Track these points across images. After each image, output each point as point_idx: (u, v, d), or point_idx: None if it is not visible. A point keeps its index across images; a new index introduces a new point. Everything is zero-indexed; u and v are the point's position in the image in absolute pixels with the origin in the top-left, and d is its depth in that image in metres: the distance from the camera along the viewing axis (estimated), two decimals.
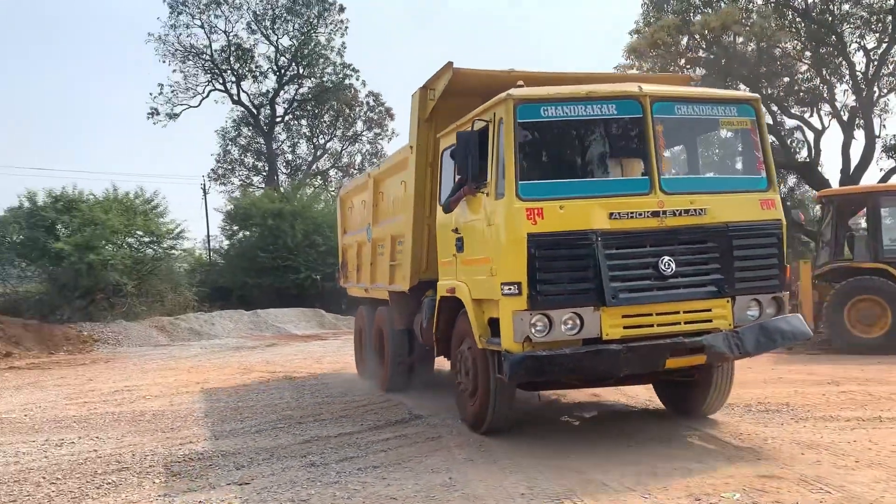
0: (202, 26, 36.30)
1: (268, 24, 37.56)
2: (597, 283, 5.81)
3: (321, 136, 41.65)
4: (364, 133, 41.81)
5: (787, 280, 6.91)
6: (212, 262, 30.53)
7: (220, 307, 24.00)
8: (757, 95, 7.07)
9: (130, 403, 9.75)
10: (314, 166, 41.24)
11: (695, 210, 6.13)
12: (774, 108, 26.14)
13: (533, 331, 5.73)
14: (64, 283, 19.89)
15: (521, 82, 6.50)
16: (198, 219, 62.81)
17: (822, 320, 13.10)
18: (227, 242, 30.55)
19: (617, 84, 6.79)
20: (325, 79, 39.82)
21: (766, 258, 6.37)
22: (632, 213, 5.98)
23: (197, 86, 37.06)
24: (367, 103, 41.51)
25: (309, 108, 40.68)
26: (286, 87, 39.00)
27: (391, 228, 8.98)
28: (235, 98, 38.08)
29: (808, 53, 25.69)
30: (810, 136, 27.54)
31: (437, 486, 5.18)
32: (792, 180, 30.46)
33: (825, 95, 26.18)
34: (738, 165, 7.93)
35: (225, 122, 41.12)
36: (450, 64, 7.13)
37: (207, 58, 36.90)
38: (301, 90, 39.32)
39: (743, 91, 6.43)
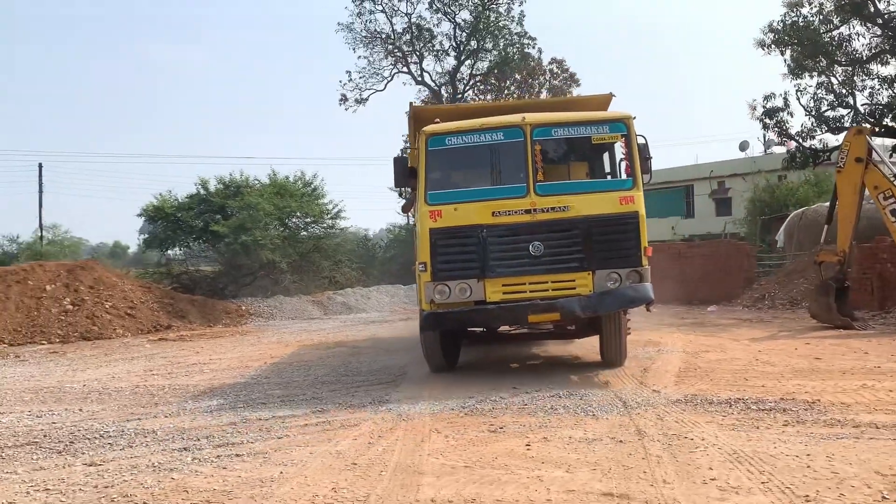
0: (384, 11, 37.54)
1: (448, 0, 37.92)
2: (482, 261, 8.44)
3: None
4: None
5: None
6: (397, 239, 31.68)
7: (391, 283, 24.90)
8: (629, 114, 8.95)
9: (185, 377, 10.48)
10: None
11: (559, 207, 8.46)
12: None
13: (436, 296, 8.49)
14: (229, 263, 21.80)
15: (437, 119, 9.25)
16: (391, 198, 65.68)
17: None
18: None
19: (507, 116, 9.06)
20: (508, 51, 39.48)
21: (623, 241, 8.49)
22: (509, 211, 8.49)
23: (381, 70, 38.48)
24: (551, 70, 40.53)
25: (494, 80, 40.59)
26: (467, 63, 39.20)
27: None
28: (419, 79, 39.04)
29: None
30: None
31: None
32: None
33: None
34: (613, 169, 9.82)
35: (414, 104, 42.38)
36: (411, 104, 10.93)
37: (391, 42, 38.13)
38: (482, 64, 39.27)
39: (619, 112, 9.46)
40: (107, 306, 18.15)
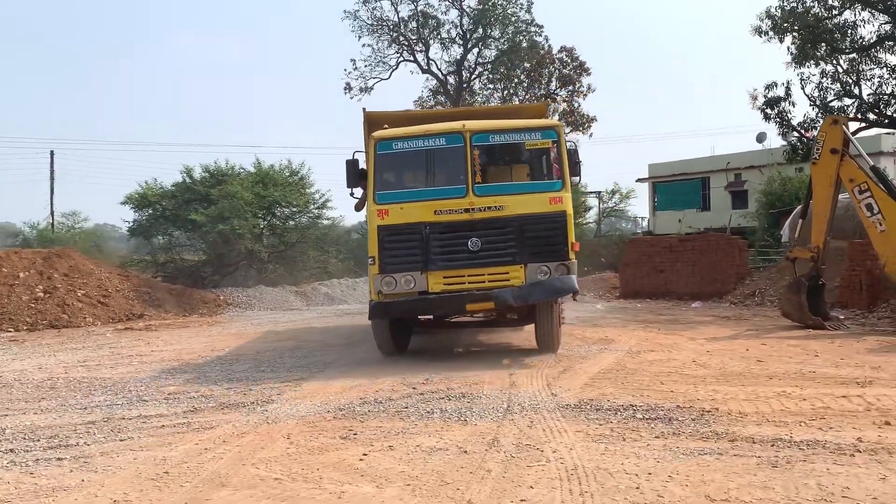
0: None
1: None
2: (425, 255, 9.22)
3: (514, 98, 40.75)
4: (558, 91, 40.14)
5: None
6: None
7: None
8: (560, 123, 10.63)
9: (109, 369, 10.24)
10: None
11: (495, 207, 9.23)
12: None
13: (384, 287, 9.27)
14: (213, 252, 21.62)
15: (386, 125, 10.12)
16: None
17: None
18: None
19: (449, 123, 9.86)
20: (516, 38, 38.86)
21: (552, 237, 9.30)
22: (450, 210, 9.23)
23: (386, 58, 38.08)
24: (560, 59, 39.78)
25: (503, 70, 39.95)
26: (473, 51, 38.65)
27: None
28: (425, 67, 38.57)
29: None
30: None
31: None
32: None
33: None
34: (545, 172, 10.24)
35: (421, 92, 41.87)
36: (364, 109, 11.48)
37: (396, 30, 37.69)
38: (489, 52, 38.70)
39: (550, 120, 11.26)
40: (79, 294, 18.05)
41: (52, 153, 43.53)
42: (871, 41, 21.35)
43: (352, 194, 10.65)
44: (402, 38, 38.06)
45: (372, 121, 10.93)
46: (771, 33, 21.50)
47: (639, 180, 48.61)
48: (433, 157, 9.74)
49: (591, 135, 40.86)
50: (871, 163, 12.79)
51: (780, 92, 23.56)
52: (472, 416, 6.25)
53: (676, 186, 46.74)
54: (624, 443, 5.31)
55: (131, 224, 22.78)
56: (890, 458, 4.78)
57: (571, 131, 40.77)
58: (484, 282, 9.24)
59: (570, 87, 39.97)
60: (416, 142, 9.64)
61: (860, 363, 8.73)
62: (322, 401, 7.15)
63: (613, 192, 33.64)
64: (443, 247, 9.23)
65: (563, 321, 10.69)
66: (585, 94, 40.02)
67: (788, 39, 22.05)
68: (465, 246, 9.21)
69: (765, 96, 23.84)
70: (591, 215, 32.96)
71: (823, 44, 21.47)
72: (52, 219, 40.36)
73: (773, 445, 5.12)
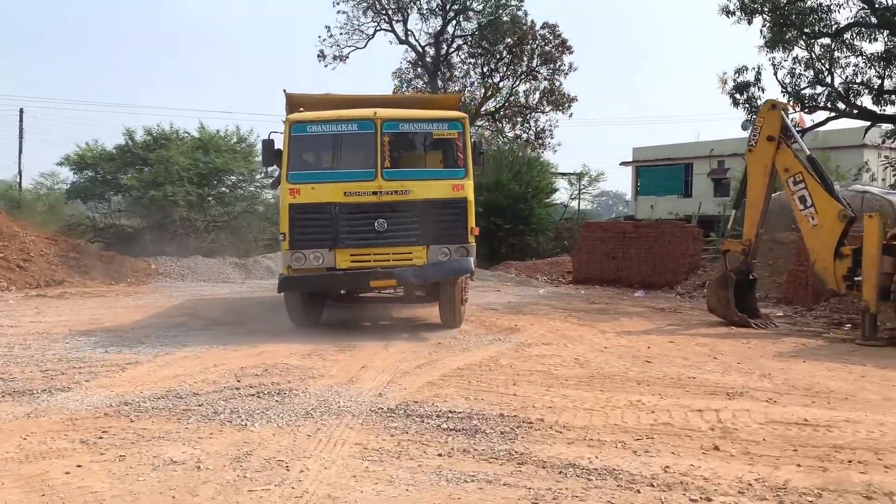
0: None
1: None
2: (333, 234, 9.63)
3: (495, 75, 39.69)
4: (539, 68, 39.09)
5: None
6: None
7: None
8: (464, 115, 10.63)
9: None
10: (483, 107, 39.51)
11: (402, 191, 9.73)
12: None
13: (293, 262, 9.64)
14: (154, 219, 20.81)
15: (301, 108, 10.51)
16: None
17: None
18: None
19: (362, 110, 10.26)
20: (497, 11, 37.75)
21: (453, 221, 9.83)
22: (359, 192, 9.67)
23: (362, 26, 36.99)
24: (543, 36, 38.72)
25: (484, 44, 38.87)
26: (453, 23, 37.55)
27: None
28: (402, 38, 37.49)
29: None
30: None
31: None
32: None
33: None
34: (449, 160, 10.56)
35: (400, 64, 40.81)
36: (284, 90, 11.58)
37: None
38: (469, 24, 37.60)
39: (457, 112, 10.95)
40: None
41: (21, 111, 42.60)
42: (844, 26, 20.38)
43: (267, 173, 11.85)
44: (378, 5, 36.93)
45: (293, 102, 11.37)
46: (739, 14, 20.51)
47: (622, 164, 47.75)
48: (345, 142, 10.20)
49: (570, 115, 39.95)
50: (809, 152, 11.96)
51: (751, 77, 22.67)
52: (261, 419, 5.51)
53: (660, 172, 45.90)
54: (396, 461, 4.57)
55: (69, 186, 21.93)
56: (679, 495, 4.04)
57: (551, 110, 39.82)
58: (388, 261, 9.76)
59: (552, 65, 38.92)
60: (329, 126, 10.07)
61: (754, 369, 8.00)
62: (125, 391, 6.42)
63: (581, 175, 32.66)
64: (351, 226, 9.69)
65: (465, 300, 11.21)
66: (567, 73, 39.02)
67: (759, 21, 21.10)
68: (372, 226, 9.69)
69: (734, 81, 22.94)
70: (560, 197, 32.05)
71: (794, 29, 20.48)
72: (20, 178, 39.43)
73: (560, 472, 4.39)
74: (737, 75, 22.88)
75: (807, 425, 5.61)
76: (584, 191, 32.91)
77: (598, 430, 5.37)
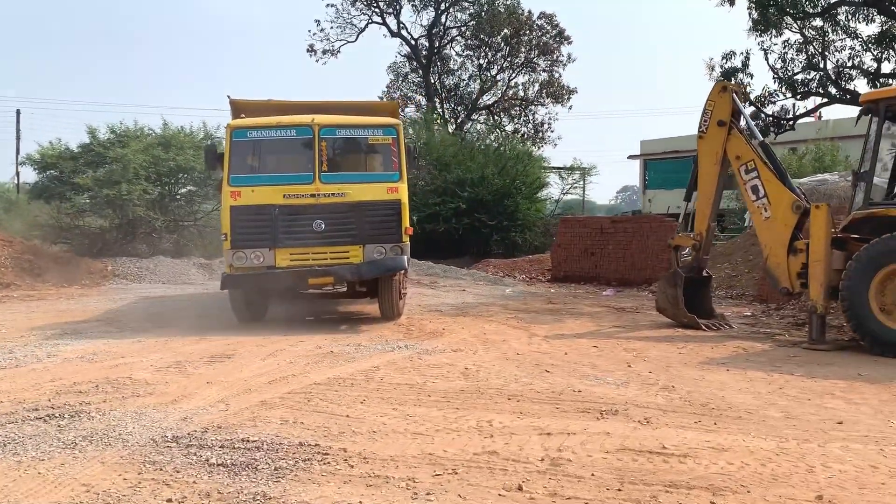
0: None
1: None
2: (273, 234, 10.12)
3: (492, 67, 38.76)
4: (536, 60, 38.09)
5: None
6: None
7: None
8: (398, 121, 11.22)
9: None
10: (480, 100, 38.60)
11: (338, 193, 10.28)
12: None
13: (235, 261, 10.08)
14: (107, 219, 20.22)
15: (243, 115, 11.17)
16: None
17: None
18: None
19: (300, 116, 10.71)
20: (493, 1, 36.82)
21: (388, 222, 10.41)
22: (298, 194, 10.18)
23: (352, 18, 36.28)
24: (540, 27, 37.74)
25: (482, 36, 37.96)
26: (446, 14, 36.68)
27: None
28: (394, 31, 36.73)
29: None
30: None
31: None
32: None
33: None
34: (384, 164, 11.06)
35: (395, 58, 40.04)
36: (228, 97, 12.02)
37: None
38: (462, 15, 36.72)
39: (391, 119, 11.34)
40: None
41: (18, 112, 42.56)
42: (833, 2, 19.16)
43: (209, 177, 11.83)
44: None
45: (238, 107, 11.90)
46: None
47: (630, 157, 46.57)
48: (284, 147, 10.75)
49: (570, 107, 38.93)
50: (761, 138, 10.95)
51: (738, 63, 21.54)
52: (12, 451, 4.72)
53: (668, 165, 44.56)
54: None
55: (30, 186, 21.42)
56: None
57: (551, 103, 38.80)
58: (326, 259, 10.26)
59: (550, 56, 37.92)
60: (268, 132, 10.55)
61: (661, 380, 7.12)
62: None
63: (572, 169, 31.64)
64: (290, 227, 10.12)
65: (403, 294, 11.72)
66: (565, 64, 38.05)
67: (743, 3, 19.98)
68: (311, 227, 10.16)
69: (722, 67, 21.83)
70: (553, 192, 31.06)
71: (779, 10, 19.32)
72: (17, 179, 39.28)
73: None
74: (724, 61, 21.81)
75: (660, 454, 4.72)
76: (575, 185, 31.77)
77: (403, 461, 4.52)
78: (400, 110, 13.42)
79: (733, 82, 21.69)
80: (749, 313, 13.05)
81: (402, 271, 10.76)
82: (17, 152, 41.10)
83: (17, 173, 40.61)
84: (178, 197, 22.02)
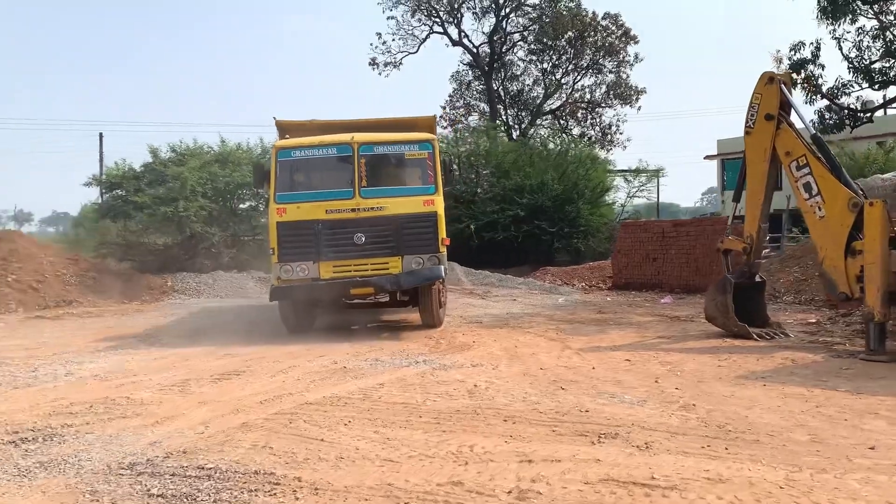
0: None
1: None
2: (317, 248, 10.57)
3: (556, 71, 38.08)
4: (602, 61, 37.20)
5: None
6: None
7: None
8: (433, 136, 11.61)
9: None
10: (545, 105, 37.94)
11: (377, 207, 10.67)
12: None
13: (282, 274, 10.57)
14: (170, 236, 20.66)
15: (287, 135, 12.24)
16: None
17: None
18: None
19: (340, 135, 11.23)
20: (556, 4, 36.20)
21: (425, 234, 10.78)
22: (339, 209, 10.62)
23: (413, 30, 36.29)
24: (605, 27, 36.86)
25: (545, 40, 37.37)
26: (507, 20, 36.26)
27: None
28: (455, 40, 36.55)
29: None
30: None
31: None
32: None
33: None
34: (421, 178, 11.46)
35: (458, 67, 39.85)
36: (274, 118, 12.74)
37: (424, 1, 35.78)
38: (522, 20, 36.23)
39: (427, 134, 11.66)
40: (9, 279, 17.39)
41: (101, 135, 44.38)
42: None
43: (255, 194, 12.74)
44: (429, 8, 36.08)
45: (283, 128, 12.73)
46: None
47: (707, 157, 44.96)
48: (326, 164, 11.27)
49: (639, 108, 37.83)
50: (813, 131, 10.10)
51: (808, 53, 20.33)
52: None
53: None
54: None
55: (97, 206, 22.11)
56: None
57: (619, 104, 37.84)
58: (367, 270, 10.64)
59: (616, 57, 36.99)
60: (311, 150, 11.09)
61: (684, 397, 6.52)
62: None
63: (637, 172, 30.59)
64: (332, 240, 10.56)
65: (443, 303, 12.06)
66: (632, 64, 37.03)
67: None
68: (352, 240, 10.57)
69: (790, 59, 20.64)
70: (619, 196, 30.12)
71: None
72: (101, 199, 41.00)
73: None
74: (792, 52, 20.62)
75: (644, 486, 4.21)
76: (642, 188, 30.72)
77: (357, 492, 4.17)
78: (437, 123, 13.62)
79: (801, 74, 20.53)
80: (814, 320, 12.13)
81: (441, 280, 11.15)
82: (102, 174, 42.76)
83: (102, 193, 42.34)
84: (240, 212, 22.27)
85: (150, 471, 4.60)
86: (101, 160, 43.38)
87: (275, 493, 4.18)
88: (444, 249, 10.89)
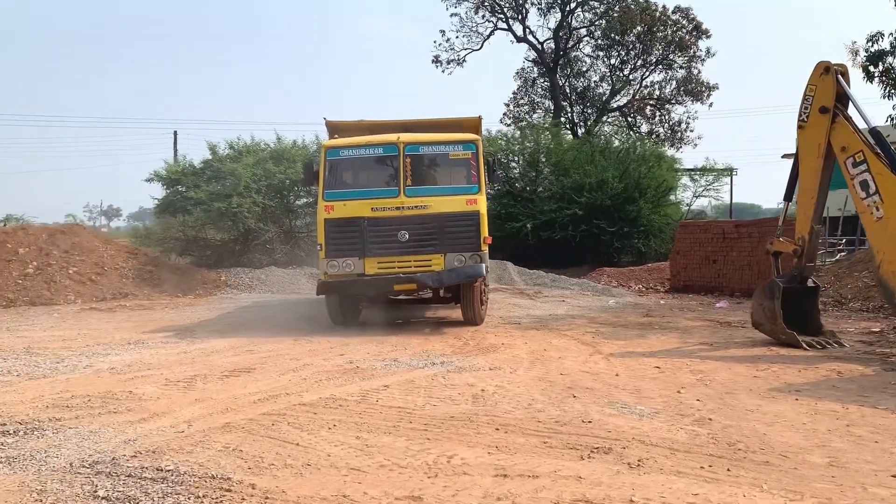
0: None
1: None
2: (363, 244, 10.81)
3: (625, 66, 37.12)
4: (672, 56, 36.06)
5: None
6: None
7: None
8: (477, 136, 11.86)
9: None
10: (611, 101, 37.03)
11: (421, 205, 10.86)
12: None
13: (329, 269, 10.86)
14: (226, 231, 20.95)
15: (336, 135, 12.55)
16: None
17: None
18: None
19: (387, 135, 11.48)
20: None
21: (467, 232, 10.91)
22: (384, 207, 10.83)
23: (476, 27, 35.96)
24: (676, 22, 35.73)
25: (613, 35, 36.51)
26: (573, 15, 35.55)
27: None
28: (520, 36, 36.05)
29: None
30: None
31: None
32: None
33: None
34: (465, 178, 11.52)
35: (523, 63, 39.31)
36: (325, 118, 13.29)
37: None
38: (589, 15, 35.45)
39: (471, 135, 11.83)
40: (70, 272, 17.93)
41: (175, 133, 45.68)
42: None
43: (308, 191, 12.89)
44: (494, 4, 35.69)
45: (333, 128, 13.20)
46: None
47: (784, 156, 43.09)
48: (372, 163, 11.56)
49: (710, 105, 36.54)
50: (872, 125, 9.33)
51: (887, 45, 19.02)
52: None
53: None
54: None
55: (158, 202, 22.64)
56: None
57: (689, 101, 36.68)
58: (410, 267, 10.85)
59: (687, 52, 35.81)
60: (358, 150, 11.38)
61: (702, 410, 6.05)
62: None
63: (704, 171, 29.42)
64: (378, 237, 10.82)
65: (485, 300, 12.20)
66: (704, 60, 35.78)
67: None
68: (396, 237, 10.82)
69: (867, 51, 19.36)
70: (685, 196, 29.06)
71: None
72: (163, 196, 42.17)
73: None
74: (869, 44, 19.31)
75: None
76: (709, 187, 29.55)
77: None
78: (481, 127, 13.63)
79: (879, 66, 19.25)
80: (878, 329, 11.29)
81: (482, 278, 11.25)
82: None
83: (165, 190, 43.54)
84: (295, 209, 22.42)
85: (108, 471, 4.46)
86: (175, 158, 44.66)
87: (221, 501, 3.96)
88: (485, 248, 11.00)
